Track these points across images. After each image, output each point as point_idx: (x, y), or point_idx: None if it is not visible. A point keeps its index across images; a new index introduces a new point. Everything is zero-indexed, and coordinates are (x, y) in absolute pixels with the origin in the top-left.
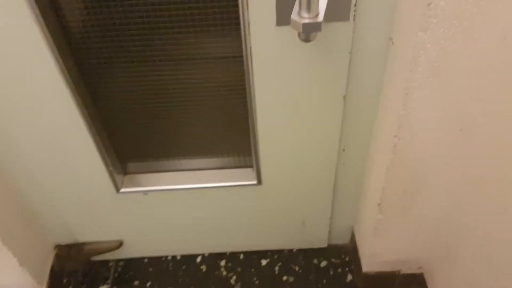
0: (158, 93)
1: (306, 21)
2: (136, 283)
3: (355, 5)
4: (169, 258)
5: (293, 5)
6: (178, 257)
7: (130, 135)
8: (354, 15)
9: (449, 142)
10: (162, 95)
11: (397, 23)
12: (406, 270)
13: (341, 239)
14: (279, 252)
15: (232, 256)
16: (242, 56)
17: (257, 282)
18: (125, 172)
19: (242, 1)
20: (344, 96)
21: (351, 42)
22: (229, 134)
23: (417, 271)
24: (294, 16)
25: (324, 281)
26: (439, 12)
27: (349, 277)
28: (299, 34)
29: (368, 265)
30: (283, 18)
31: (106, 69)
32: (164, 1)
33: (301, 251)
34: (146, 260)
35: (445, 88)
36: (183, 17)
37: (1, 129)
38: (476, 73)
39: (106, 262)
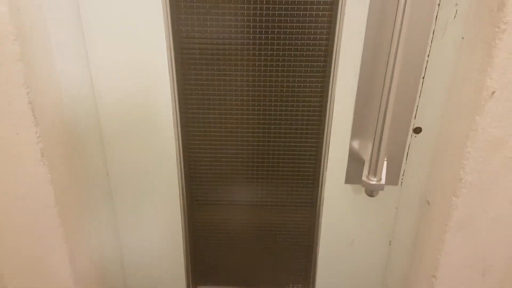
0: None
1: (373, 182)
2: None
3: (403, 174)
4: None
5: (357, 172)
6: None
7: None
8: (401, 181)
9: (474, 282)
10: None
11: (433, 190)
12: None
13: None
14: None
15: None
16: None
17: None
18: None
19: (322, 166)
20: (390, 241)
21: (398, 200)
22: (287, 269)
23: None
24: (364, 178)
25: None
26: (467, 185)
27: None
28: (365, 191)
29: None
30: (349, 179)
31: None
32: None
33: None
34: None
35: (472, 239)
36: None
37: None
38: (495, 229)
39: None
